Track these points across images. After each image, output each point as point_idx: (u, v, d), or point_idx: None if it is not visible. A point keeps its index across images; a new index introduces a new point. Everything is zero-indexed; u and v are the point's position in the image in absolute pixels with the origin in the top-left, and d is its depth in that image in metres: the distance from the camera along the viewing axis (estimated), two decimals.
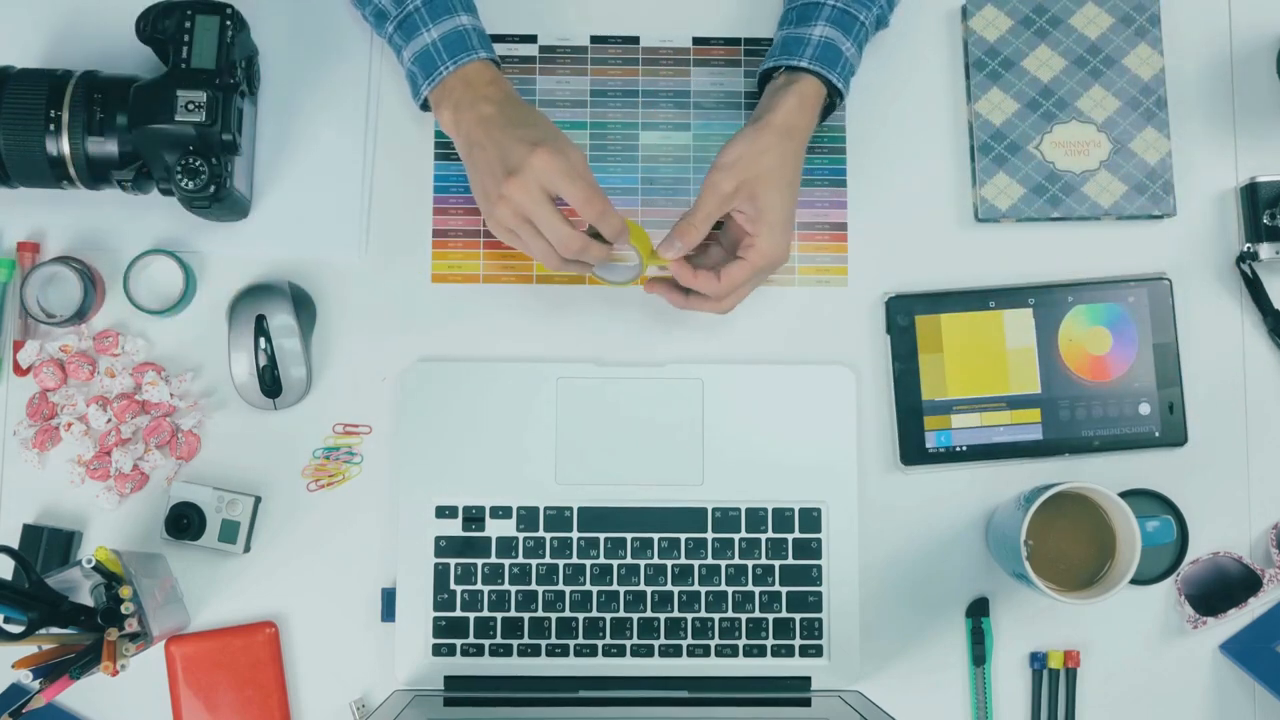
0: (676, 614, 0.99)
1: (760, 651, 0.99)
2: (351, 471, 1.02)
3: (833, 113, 1.01)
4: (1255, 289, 1.04)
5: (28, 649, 0.88)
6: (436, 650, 0.99)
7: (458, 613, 0.99)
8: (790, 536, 1.00)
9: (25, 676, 0.85)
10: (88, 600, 0.90)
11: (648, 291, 0.98)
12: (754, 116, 0.96)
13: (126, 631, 0.87)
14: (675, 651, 0.99)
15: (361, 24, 1.06)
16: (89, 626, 0.88)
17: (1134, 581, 0.96)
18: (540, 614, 0.99)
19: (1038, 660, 1.01)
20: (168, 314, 1.01)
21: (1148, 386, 1.02)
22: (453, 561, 0.99)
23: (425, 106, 0.98)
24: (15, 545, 0.99)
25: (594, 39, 1.07)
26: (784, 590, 1.00)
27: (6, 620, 0.85)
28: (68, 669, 0.86)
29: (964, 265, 1.04)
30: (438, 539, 0.99)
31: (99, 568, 0.87)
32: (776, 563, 1.00)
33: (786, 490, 1.00)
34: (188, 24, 0.95)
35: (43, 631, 0.86)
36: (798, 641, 0.99)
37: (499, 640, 0.99)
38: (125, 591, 0.87)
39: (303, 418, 1.02)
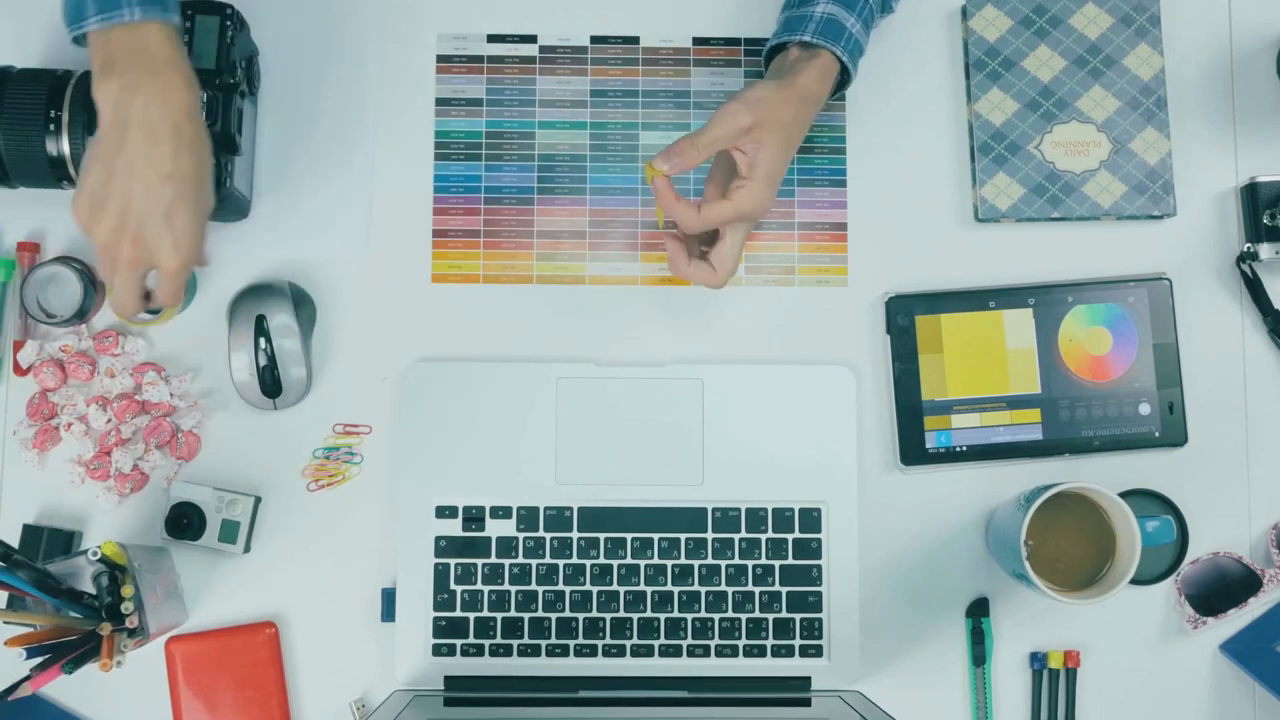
0: (676, 614, 0.99)
1: (760, 652, 0.99)
2: (351, 471, 1.02)
3: (843, 90, 1.01)
4: (1255, 289, 1.04)
5: (24, 627, 0.88)
6: (436, 650, 0.99)
7: (458, 613, 0.99)
8: (790, 536, 1.00)
9: (19, 655, 0.85)
10: (89, 587, 0.90)
11: (666, 245, 0.95)
12: (774, 78, 0.95)
13: (124, 627, 0.87)
14: (675, 651, 0.99)
15: (361, 24, 1.06)
16: (88, 608, 0.88)
17: (1134, 581, 0.96)
18: (540, 614, 0.99)
19: (1038, 660, 1.01)
20: (164, 317, 1.01)
21: (1148, 386, 1.02)
22: (453, 561, 0.99)
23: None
24: (15, 545, 0.99)
25: (594, 39, 1.07)
26: (784, 590, 1.00)
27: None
28: (61, 655, 0.86)
29: (964, 265, 1.04)
30: (438, 539, 0.99)
31: (105, 560, 0.88)
32: (776, 563, 1.00)
33: (786, 490, 1.00)
34: (188, 24, 0.95)
35: (40, 607, 0.87)
36: (798, 641, 0.99)
37: (499, 640, 0.99)
38: (127, 590, 0.87)
39: (303, 418, 1.02)
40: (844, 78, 0.99)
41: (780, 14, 1.00)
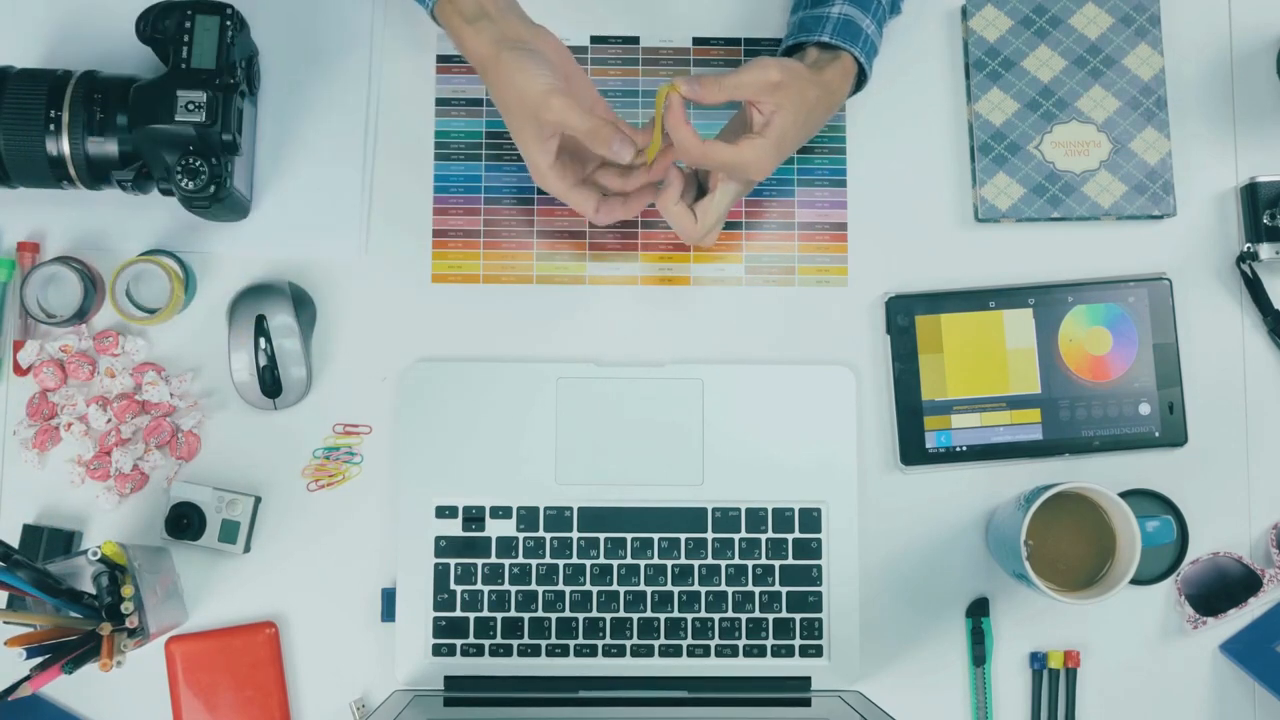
0: (676, 614, 0.99)
1: (760, 651, 0.99)
2: (351, 471, 1.02)
3: (856, 93, 1.00)
4: (1255, 289, 1.04)
5: (24, 627, 0.88)
6: (436, 650, 0.99)
7: (458, 613, 0.99)
8: (790, 536, 1.00)
9: (19, 655, 0.85)
10: (89, 587, 0.90)
11: (669, 175, 0.93)
12: None
13: (124, 627, 0.87)
14: (675, 651, 0.99)
15: (361, 23, 1.06)
16: (88, 608, 0.88)
17: (1134, 581, 0.96)
18: (540, 614, 0.99)
19: (1038, 660, 1.01)
20: (164, 316, 1.01)
21: (1148, 386, 1.02)
22: (453, 561, 0.99)
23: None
24: (15, 545, 0.99)
25: (594, 39, 1.07)
26: (784, 590, 1.00)
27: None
28: (61, 655, 0.86)
29: (964, 265, 1.04)
30: (438, 539, 0.99)
31: (105, 560, 0.88)
32: (776, 563, 1.00)
33: (786, 490, 1.00)
34: (188, 24, 0.95)
35: (40, 607, 0.87)
36: (798, 641, 0.99)
37: (499, 640, 0.99)
38: (127, 590, 0.87)
39: (303, 418, 1.02)
40: (858, 81, 0.99)
41: (792, 14, 1.00)
